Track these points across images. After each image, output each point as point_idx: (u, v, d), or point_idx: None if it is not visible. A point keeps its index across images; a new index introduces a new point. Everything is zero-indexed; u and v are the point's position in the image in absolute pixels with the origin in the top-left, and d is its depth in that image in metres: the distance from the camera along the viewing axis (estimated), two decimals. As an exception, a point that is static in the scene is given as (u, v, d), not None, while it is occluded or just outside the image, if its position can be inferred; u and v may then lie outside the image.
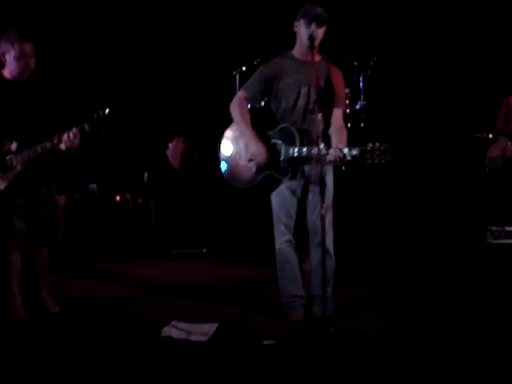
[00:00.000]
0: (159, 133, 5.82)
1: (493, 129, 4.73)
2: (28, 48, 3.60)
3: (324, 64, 3.63)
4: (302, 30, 3.52)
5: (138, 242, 4.99)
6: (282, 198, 3.66)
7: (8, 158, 3.66)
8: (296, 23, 3.58)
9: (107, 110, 3.55)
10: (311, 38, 3.45)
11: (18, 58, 3.58)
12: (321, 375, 2.90)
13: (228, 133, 3.85)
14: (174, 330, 3.50)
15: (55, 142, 3.59)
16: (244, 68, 5.54)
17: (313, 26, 3.47)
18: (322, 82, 3.57)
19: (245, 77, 5.59)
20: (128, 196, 4.95)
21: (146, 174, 5.74)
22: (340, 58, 5.53)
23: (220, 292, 4.27)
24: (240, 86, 5.59)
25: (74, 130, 3.55)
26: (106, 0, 5.83)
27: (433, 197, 4.88)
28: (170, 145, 5.78)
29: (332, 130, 3.63)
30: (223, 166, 3.84)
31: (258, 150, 3.57)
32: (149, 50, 5.89)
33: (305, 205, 3.71)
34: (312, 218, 3.67)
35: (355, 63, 5.42)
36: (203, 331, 3.49)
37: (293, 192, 3.66)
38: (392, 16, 5.61)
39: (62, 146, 3.56)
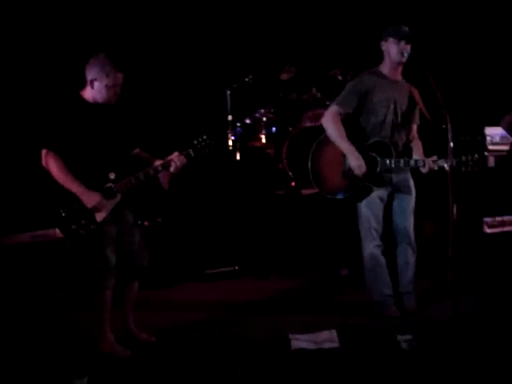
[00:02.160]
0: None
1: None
2: (121, 78, 3.59)
3: (405, 83, 4.10)
4: (391, 47, 3.96)
5: (168, 267, 4.95)
6: (373, 206, 4.06)
7: (107, 186, 3.56)
8: (383, 42, 4.02)
9: (205, 136, 3.67)
10: (402, 54, 3.91)
11: (109, 88, 3.55)
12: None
13: (317, 149, 4.17)
14: (301, 343, 3.70)
15: (160, 168, 3.60)
16: (235, 85, 5.79)
17: (402, 43, 3.92)
18: (406, 100, 4.06)
19: (236, 94, 5.86)
20: (159, 220, 4.90)
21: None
22: (324, 72, 6.05)
23: (286, 304, 4.51)
24: (231, 102, 5.83)
25: (178, 154, 3.61)
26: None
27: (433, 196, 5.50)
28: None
29: (412, 143, 4.15)
30: (318, 181, 4.15)
31: (359, 164, 3.93)
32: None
33: (390, 210, 4.13)
34: (401, 221, 4.14)
35: (340, 77, 5.89)
36: (328, 338, 3.77)
37: (381, 200, 4.08)
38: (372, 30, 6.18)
39: (172, 169, 3.63)
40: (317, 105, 5.84)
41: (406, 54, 3.90)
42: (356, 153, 3.95)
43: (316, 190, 5.49)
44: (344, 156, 4.01)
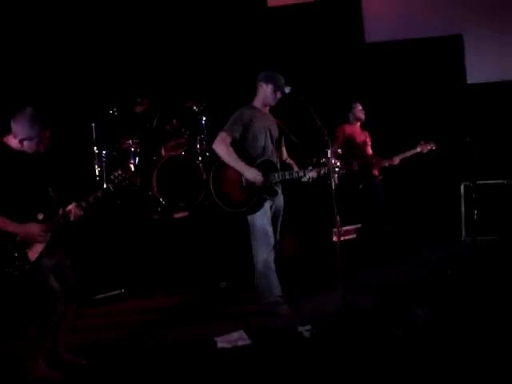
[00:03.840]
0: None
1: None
2: (48, 135, 3.89)
3: (271, 115, 5.05)
4: (269, 92, 4.89)
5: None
6: (266, 215, 4.85)
7: None
8: (263, 84, 4.89)
9: (120, 171, 4.10)
10: (276, 100, 4.90)
11: (37, 144, 3.85)
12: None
13: (216, 172, 4.84)
14: (222, 343, 4.26)
15: (84, 205, 3.95)
16: (100, 117, 6.18)
17: (279, 94, 4.86)
18: (276, 128, 5.01)
19: (101, 126, 6.25)
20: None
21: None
22: (181, 104, 6.69)
23: (184, 317, 5.02)
24: (96, 134, 6.21)
25: (99, 193, 4.02)
26: None
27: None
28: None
29: (287, 159, 5.10)
30: (220, 199, 4.79)
31: (255, 175, 4.70)
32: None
33: None
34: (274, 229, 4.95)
35: (195, 108, 6.58)
36: (239, 337, 4.37)
37: (270, 208, 4.91)
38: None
39: (72, 219, 3.92)
40: (178, 134, 6.47)
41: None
42: (250, 167, 4.72)
43: (186, 213, 6.17)
44: (240, 174, 4.74)
